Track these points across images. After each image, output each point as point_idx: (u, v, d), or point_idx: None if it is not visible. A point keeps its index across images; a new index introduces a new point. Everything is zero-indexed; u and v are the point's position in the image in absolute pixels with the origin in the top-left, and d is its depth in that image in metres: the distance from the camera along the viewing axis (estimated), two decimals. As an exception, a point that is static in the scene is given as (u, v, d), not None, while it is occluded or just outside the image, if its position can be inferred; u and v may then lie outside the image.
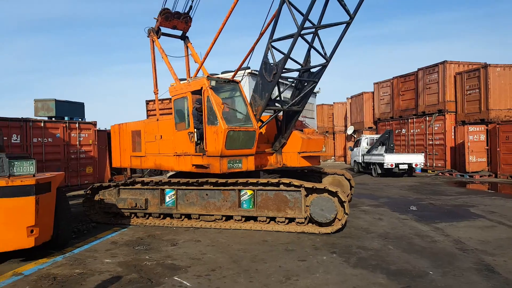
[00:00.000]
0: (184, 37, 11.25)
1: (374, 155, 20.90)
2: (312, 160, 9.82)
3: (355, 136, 30.45)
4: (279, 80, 8.49)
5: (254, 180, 8.34)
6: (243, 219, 8.49)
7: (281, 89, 9.30)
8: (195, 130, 8.51)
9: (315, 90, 37.58)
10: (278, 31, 8.15)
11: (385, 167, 19.43)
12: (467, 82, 20.67)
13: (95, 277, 5.29)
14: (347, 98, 34.34)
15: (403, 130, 25.10)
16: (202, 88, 8.34)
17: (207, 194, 8.71)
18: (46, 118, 16.74)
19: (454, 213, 9.83)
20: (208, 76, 8.47)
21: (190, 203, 8.83)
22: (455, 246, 6.72)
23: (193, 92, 8.65)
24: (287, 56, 8.05)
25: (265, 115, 9.52)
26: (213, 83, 8.28)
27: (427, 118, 22.82)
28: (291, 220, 8.20)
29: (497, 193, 14.20)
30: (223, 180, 8.48)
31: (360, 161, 22.60)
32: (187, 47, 11.22)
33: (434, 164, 22.42)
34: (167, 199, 8.98)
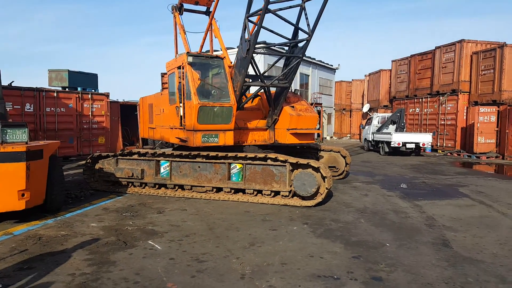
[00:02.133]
0: (208, 12, 11.57)
1: (383, 133, 20.92)
2: (303, 137, 10.10)
3: (370, 114, 30.30)
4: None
5: (242, 155, 8.78)
6: (232, 191, 9.00)
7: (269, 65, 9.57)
8: (180, 104, 8.96)
9: (334, 66, 37.27)
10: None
11: (392, 145, 19.48)
12: (483, 62, 20.19)
13: (76, 238, 5.91)
14: (365, 76, 33.96)
15: (417, 109, 24.85)
16: (182, 63, 8.78)
17: (199, 167, 9.23)
18: (60, 88, 17.52)
19: (441, 192, 10.05)
20: (187, 52, 8.85)
21: (183, 175, 9.38)
22: (425, 222, 7.03)
23: (179, 68, 9.06)
24: (257, 31, 8.12)
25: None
26: (190, 59, 8.67)
27: (440, 98, 22.51)
28: (277, 193, 8.66)
29: (497, 174, 14.20)
30: (214, 154, 8.96)
31: (370, 139, 22.66)
32: (210, 22, 11.54)
33: (444, 144, 22.27)
34: (162, 170, 9.56)
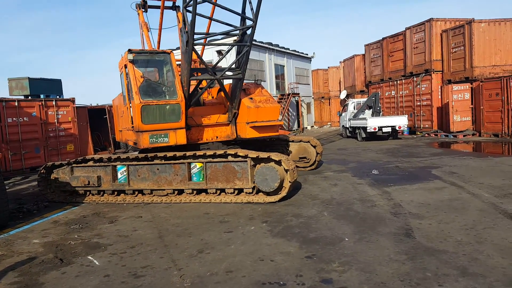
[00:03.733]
0: (175, 7, 11.10)
1: (359, 119, 20.64)
2: (265, 130, 9.65)
3: (347, 100, 30.05)
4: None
5: (201, 153, 8.31)
6: (195, 192, 8.53)
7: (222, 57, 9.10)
8: (130, 104, 8.49)
9: (309, 55, 36.90)
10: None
11: (368, 131, 19.21)
12: (453, 40, 20.00)
13: (12, 258, 5.38)
14: (340, 62, 33.66)
15: (392, 92, 24.64)
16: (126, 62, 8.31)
17: (158, 169, 8.72)
18: (22, 97, 16.72)
19: (413, 176, 9.74)
20: (129, 49, 8.32)
21: (142, 179, 8.87)
22: (390, 210, 6.67)
23: (125, 67, 8.55)
24: (193, 20, 7.59)
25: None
26: (131, 56, 8.21)
27: (415, 79, 22.31)
28: (241, 190, 8.22)
29: (472, 153, 14.05)
30: (171, 154, 8.46)
31: (348, 126, 22.36)
32: (177, 17, 11.03)
33: (422, 126, 22.12)
34: (119, 175, 9.02)
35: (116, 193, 9.11)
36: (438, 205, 6.84)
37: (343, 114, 23.60)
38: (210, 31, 9.34)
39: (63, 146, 17.47)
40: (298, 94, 30.93)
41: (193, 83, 9.50)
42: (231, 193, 8.20)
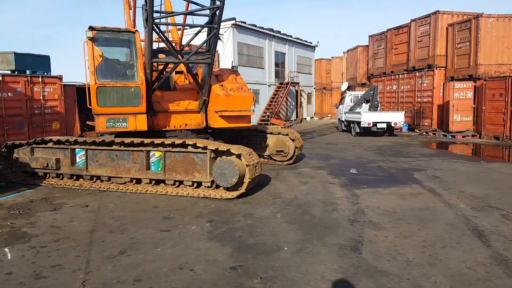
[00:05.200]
0: None
1: (354, 113, 19.90)
2: (235, 120, 9.07)
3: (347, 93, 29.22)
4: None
5: (159, 141, 7.78)
6: (153, 182, 8.03)
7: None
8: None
9: (313, 44, 35.89)
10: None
11: (362, 126, 18.50)
12: (458, 35, 19.04)
13: None
14: (343, 53, 32.69)
15: (394, 86, 23.78)
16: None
17: (116, 155, 8.22)
18: (9, 72, 16.27)
19: (392, 178, 9.13)
20: (90, 26, 7.75)
21: (100, 164, 8.37)
22: (350, 217, 6.09)
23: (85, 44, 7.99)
24: None
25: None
26: (90, 34, 7.68)
27: (417, 74, 21.42)
28: (200, 184, 7.69)
29: (466, 156, 13.32)
30: (129, 140, 7.94)
31: (343, 119, 21.64)
32: None
33: (421, 123, 21.32)
34: (78, 159, 8.54)
35: (75, 177, 8.65)
36: (405, 214, 6.24)
37: (340, 106, 22.83)
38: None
39: (48, 124, 17.01)
40: (298, 83, 30.11)
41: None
42: (189, 186, 7.68)
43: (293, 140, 10.78)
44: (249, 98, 9.13)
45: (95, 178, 8.49)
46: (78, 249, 4.83)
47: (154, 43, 8.96)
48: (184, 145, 7.61)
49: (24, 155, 8.98)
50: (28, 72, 16.73)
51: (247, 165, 7.05)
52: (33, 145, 8.85)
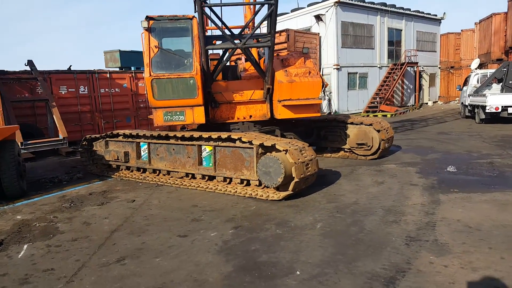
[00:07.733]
0: None
1: (479, 95, 16.60)
2: (301, 110, 8.04)
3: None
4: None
5: (207, 135, 7.28)
6: (206, 178, 7.60)
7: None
8: None
9: (438, 16, 31.40)
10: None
11: (487, 111, 15.29)
12: None
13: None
14: (475, 24, 27.86)
15: (540, 61, 19.17)
16: None
17: (173, 149, 8.03)
18: (117, 69, 17.85)
19: (502, 179, 7.04)
20: (147, 16, 7.49)
21: (161, 158, 8.30)
22: (412, 233, 4.68)
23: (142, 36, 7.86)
24: None
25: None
26: (145, 24, 7.37)
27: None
28: (250, 182, 6.99)
29: None
30: (180, 134, 7.66)
31: (467, 103, 18.31)
32: None
33: None
34: (142, 152, 8.63)
35: (141, 170, 8.78)
36: (492, 233, 4.55)
37: (463, 88, 19.40)
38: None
39: (153, 117, 18.28)
40: (417, 63, 26.71)
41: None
42: (239, 183, 7.02)
43: (378, 131, 9.20)
44: (317, 84, 8.00)
45: (158, 172, 8.47)
46: (84, 252, 4.60)
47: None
48: (232, 140, 6.98)
49: (100, 148, 9.46)
50: (132, 68, 18.08)
51: (294, 163, 6.06)
52: (107, 139, 9.24)
